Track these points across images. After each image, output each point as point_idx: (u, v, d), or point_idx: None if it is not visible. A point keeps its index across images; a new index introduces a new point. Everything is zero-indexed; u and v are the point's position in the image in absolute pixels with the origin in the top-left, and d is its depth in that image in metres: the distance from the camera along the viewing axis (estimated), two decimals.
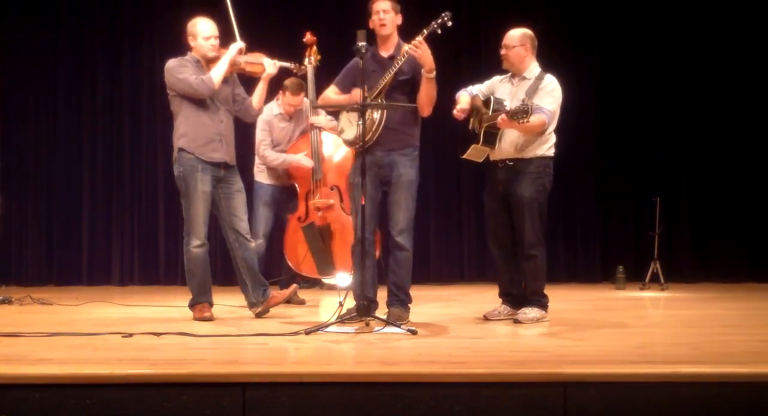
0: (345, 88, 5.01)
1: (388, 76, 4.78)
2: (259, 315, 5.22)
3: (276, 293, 5.38)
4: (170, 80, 5.14)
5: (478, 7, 8.34)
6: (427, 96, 4.83)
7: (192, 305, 5.19)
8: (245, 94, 5.38)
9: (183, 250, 5.18)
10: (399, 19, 4.93)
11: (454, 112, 5.04)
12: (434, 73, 4.76)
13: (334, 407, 3.23)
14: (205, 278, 5.19)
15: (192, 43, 5.19)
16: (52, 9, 8.21)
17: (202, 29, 5.16)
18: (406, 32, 4.88)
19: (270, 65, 5.26)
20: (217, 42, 5.18)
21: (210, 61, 5.17)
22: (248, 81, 5.47)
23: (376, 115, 4.75)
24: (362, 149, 4.68)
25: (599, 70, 8.22)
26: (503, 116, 4.74)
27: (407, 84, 4.88)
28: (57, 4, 8.22)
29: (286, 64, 5.52)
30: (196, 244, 5.11)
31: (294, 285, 5.78)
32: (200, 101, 5.11)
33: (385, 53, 4.92)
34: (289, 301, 6.31)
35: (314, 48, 6.24)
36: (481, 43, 8.24)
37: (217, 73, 5.09)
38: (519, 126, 4.76)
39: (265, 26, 8.10)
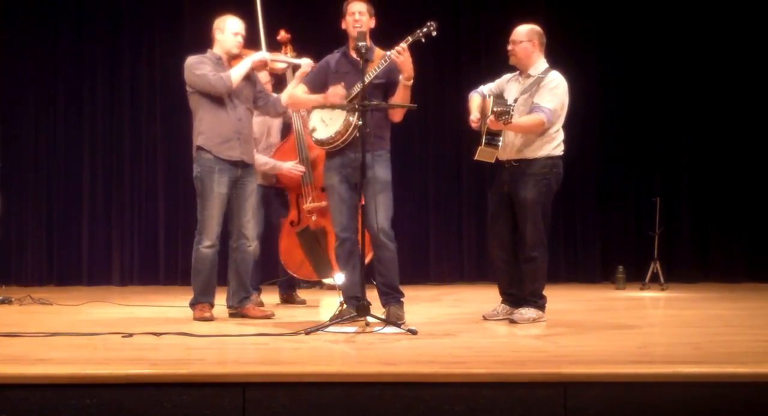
0: (314, 88, 4.98)
1: (367, 80, 4.75)
2: (231, 316, 5.25)
3: (252, 307, 5.32)
4: (189, 77, 5.13)
5: (478, 6, 8.34)
6: (401, 102, 4.82)
7: (193, 304, 5.19)
8: (267, 91, 5.42)
9: (192, 248, 5.17)
10: (372, 23, 4.92)
11: (471, 123, 5.04)
12: (412, 81, 4.76)
13: (334, 407, 3.23)
14: (211, 278, 5.19)
15: (218, 36, 5.19)
16: (52, 9, 8.20)
17: (231, 25, 5.17)
18: (397, 38, 4.85)
19: (306, 64, 5.26)
20: (242, 40, 5.20)
21: (232, 59, 5.18)
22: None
23: (352, 118, 4.73)
24: (363, 149, 4.63)
25: (599, 70, 8.23)
26: (491, 117, 4.72)
27: (381, 88, 4.88)
28: (57, 5, 8.21)
29: (295, 61, 5.53)
30: (206, 244, 5.11)
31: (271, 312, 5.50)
32: (219, 99, 5.10)
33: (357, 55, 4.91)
34: (289, 301, 6.32)
35: (289, 46, 6.14)
36: (481, 42, 8.24)
37: (237, 73, 5.08)
38: (507, 127, 4.73)
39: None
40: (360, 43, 4.64)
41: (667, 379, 3.31)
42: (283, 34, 6.08)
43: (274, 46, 5.98)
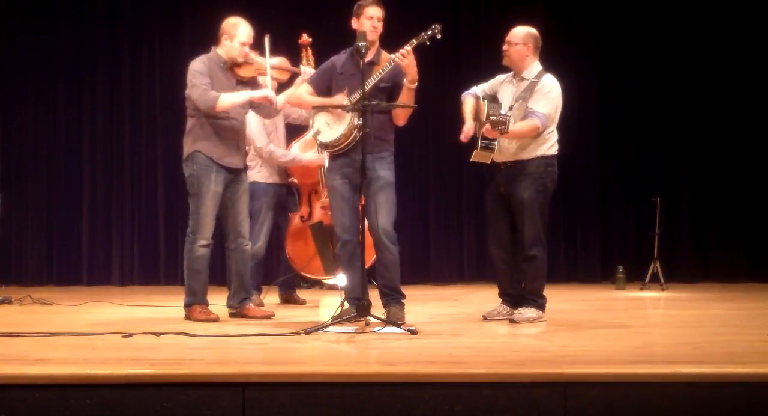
0: (319, 89, 4.98)
1: (372, 82, 4.76)
2: (231, 316, 5.25)
3: (252, 307, 5.32)
4: (187, 82, 5.12)
5: (478, 6, 8.33)
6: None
7: (191, 305, 5.13)
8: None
9: (185, 248, 5.15)
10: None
11: (461, 137, 5.01)
12: (416, 84, 4.76)
13: (334, 407, 3.23)
14: (207, 277, 5.19)
15: (225, 41, 5.14)
16: (52, 9, 8.20)
17: (242, 33, 5.13)
18: (398, 38, 4.85)
19: (307, 73, 5.30)
20: (248, 50, 5.18)
21: (235, 65, 5.16)
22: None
23: (356, 121, 4.73)
24: (363, 150, 4.64)
25: (599, 70, 8.22)
26: (487, 126, 4.73)
27: (386, 92, 4.88)
28: (57, 5, 8.22)
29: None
30: (202, 243, 5.10)
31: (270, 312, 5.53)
32: None
33: (365, 58, 4.90)
34: (289, 301, 6.32)
35: (310, 50, 6.15)
36: (481, 43, 8.23)
37: (227, 101, 5.02)
38: (503, 136, 4.75)
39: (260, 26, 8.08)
40: (360, 44, 4.65)
41: (667, 379, 3.31)
42: (304, 38, 6.01)
43: (294, 48, 5.98)
